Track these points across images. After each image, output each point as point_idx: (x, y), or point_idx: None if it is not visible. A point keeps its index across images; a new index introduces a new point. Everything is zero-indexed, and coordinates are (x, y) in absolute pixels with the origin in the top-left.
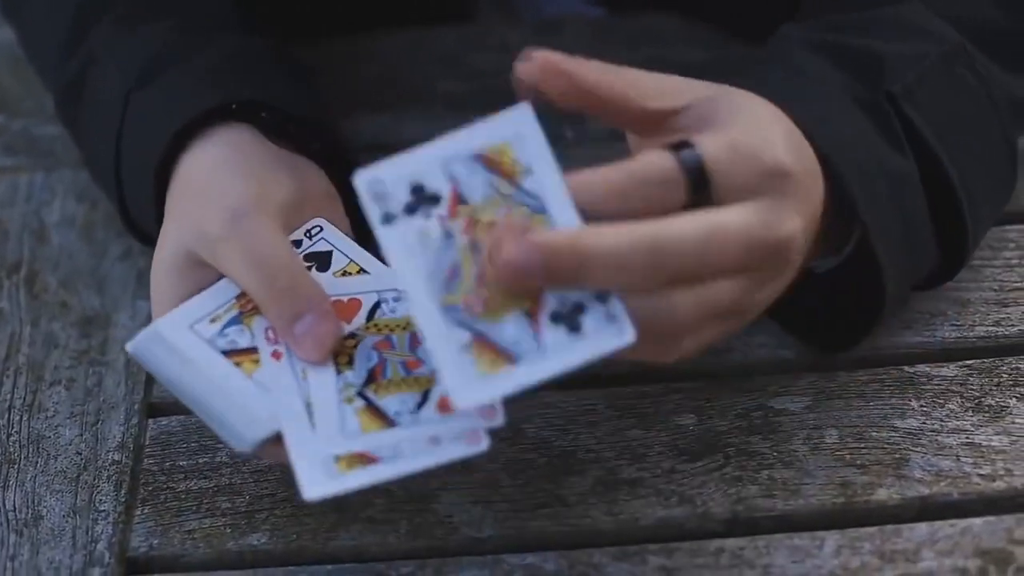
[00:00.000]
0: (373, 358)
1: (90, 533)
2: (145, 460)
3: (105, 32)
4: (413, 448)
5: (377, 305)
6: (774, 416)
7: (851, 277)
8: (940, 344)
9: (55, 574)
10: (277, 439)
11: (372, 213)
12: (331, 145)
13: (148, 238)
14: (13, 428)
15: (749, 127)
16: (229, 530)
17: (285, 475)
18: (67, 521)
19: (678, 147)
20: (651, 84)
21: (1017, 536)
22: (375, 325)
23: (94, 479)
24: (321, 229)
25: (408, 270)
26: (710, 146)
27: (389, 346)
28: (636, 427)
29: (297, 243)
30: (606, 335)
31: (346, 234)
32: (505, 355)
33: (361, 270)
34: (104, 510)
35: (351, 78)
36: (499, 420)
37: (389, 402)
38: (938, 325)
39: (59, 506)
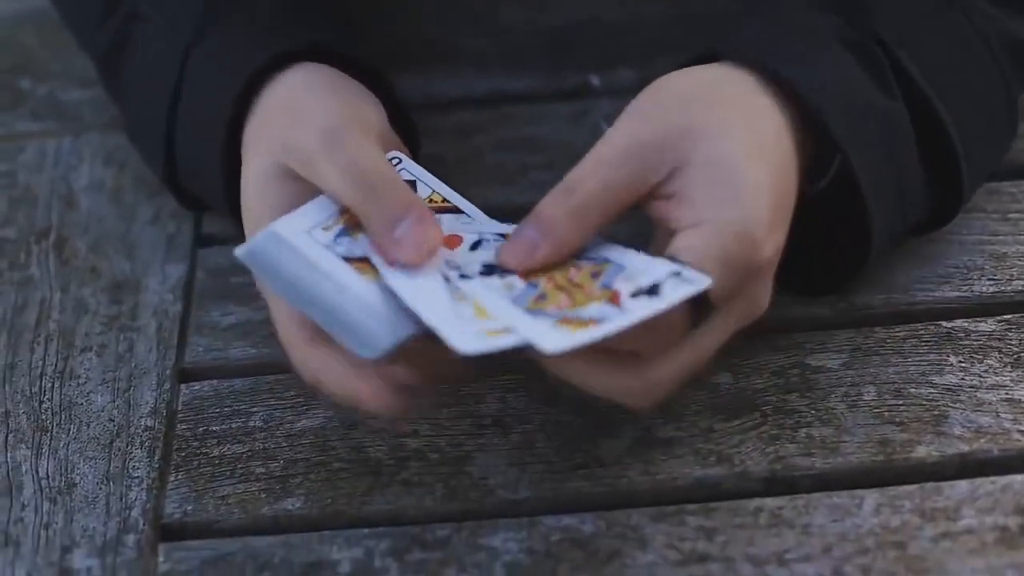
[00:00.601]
0: None
1: (124, 500)
2: (178, 426)
3: None
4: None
5: (479, 243)
6: (811, 373)
7: (837, 218)
8: (978, 299)
9: (89, 541)
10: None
11: (452, 275)
12: (390, 96)
13: (193, 200)
14: (45, 395)
15: (730, 218)
16: (264, 495)
17: (319, 439)
18: (100, 488)
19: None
20: (623, 178)
21: None
22: None
23: (127, 445)
24: (400, 160)
25: (489, 294)
26: (702, 264)
27: None
28: None
29: None
30: (683, 287)
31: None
32: (593, 321)
33: (445, 200)
34: (137, 476)
35: (378, 35)
36: None
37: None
38: (975, 279)
39: (92, 473)
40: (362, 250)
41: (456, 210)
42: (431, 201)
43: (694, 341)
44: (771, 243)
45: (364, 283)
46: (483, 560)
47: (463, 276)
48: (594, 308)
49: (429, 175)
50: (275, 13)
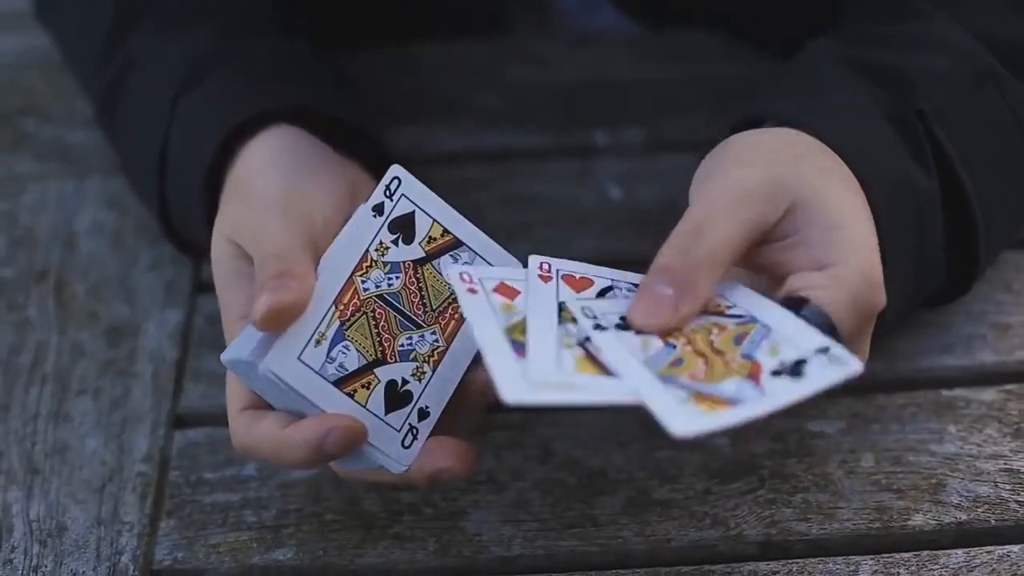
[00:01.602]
0: None
1: (114, 545)
2: (171, 472)
3: (145, 37)
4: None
5: (608, 289)
6: (810, 439)
7: None
8: (979, 368)
9: None
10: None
11: (585, 324)
12: (378, 151)
13: (187, 244)
14: (38, 437)
15: (855, 261)
16: (255, 544)
17: (312, 490)
18: (91, 532)
19: (798, 305)
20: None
21: None
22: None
23: (119, 490)
24: (399, 183)
25: (625, 357)
26: (832, 305)
27: None
28: (668, 447)
29: (379, 207)
30: (830, 371)
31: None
32: (726, 401)
33: (445, 233)
34: (129, 522)
35: (384, 90)
36: None
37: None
38: (977, 349)
39: (83, 517)
40: (355, 361)
41: (456, 243)
42: (430, 240)
43: None
44: (883, 292)
45: (358, 411)
46: None
47: (599, 327)
48: (731, 385)
49: (434, 199)
50: (267, 67)
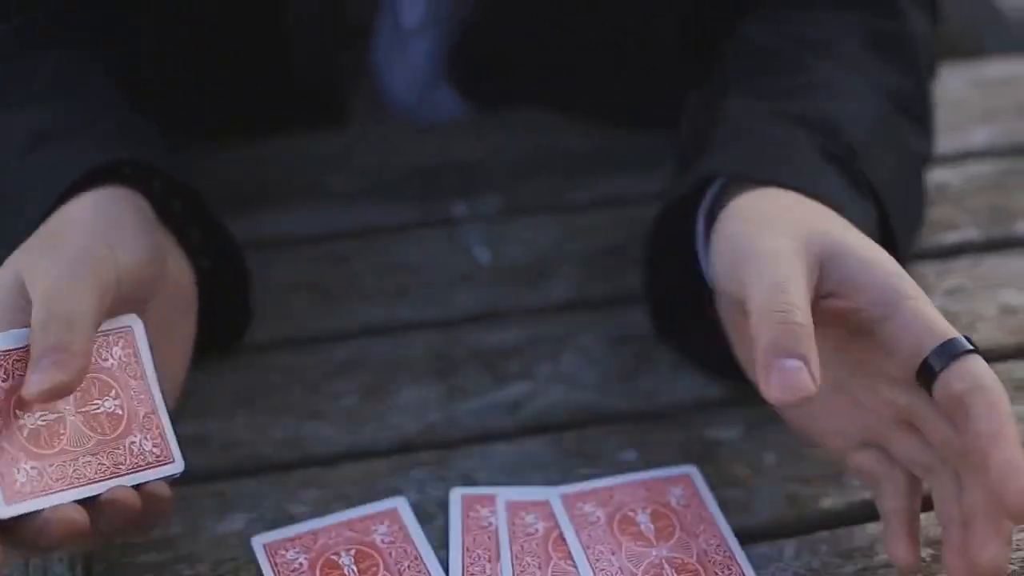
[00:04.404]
0: None
1: None
2: None
3: None
4: None
5: None
6: (713, 445)
7: None
8: None
9: None
10: None
11: None
12: (214, 233)
13: None
14: None
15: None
16: None
17: (243, 541)
18: None
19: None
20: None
21: None
22: None
23: (44, 562)
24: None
25: None
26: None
27: None
28: (584, 466)
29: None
30: None
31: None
32: None
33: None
34: None
35: (232, 181)
36: None
37: None
38: None
39: None
40: None
41: None
42: None
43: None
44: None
45: None
46: None
47: None
48: None
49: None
50: (109, 133)
